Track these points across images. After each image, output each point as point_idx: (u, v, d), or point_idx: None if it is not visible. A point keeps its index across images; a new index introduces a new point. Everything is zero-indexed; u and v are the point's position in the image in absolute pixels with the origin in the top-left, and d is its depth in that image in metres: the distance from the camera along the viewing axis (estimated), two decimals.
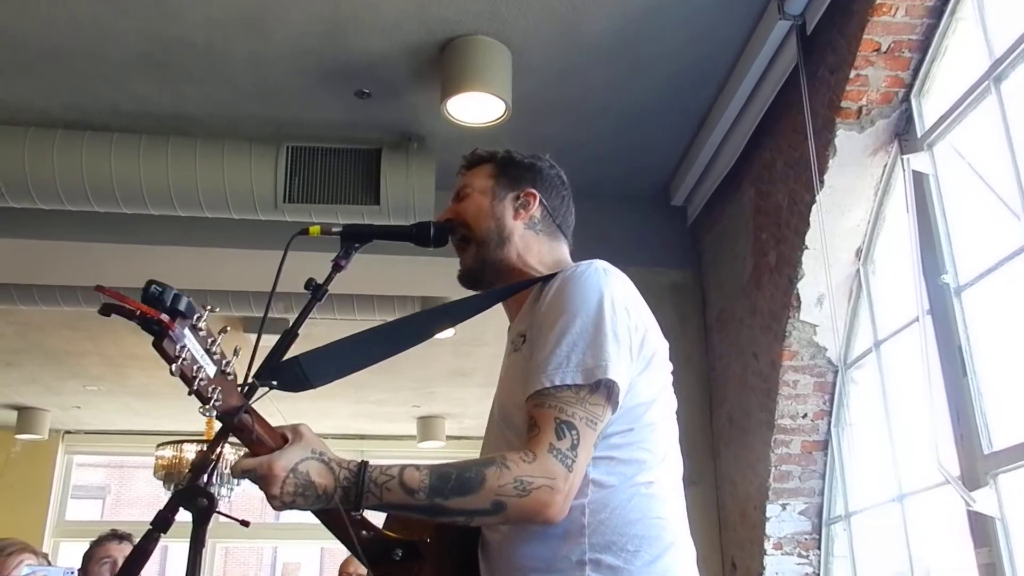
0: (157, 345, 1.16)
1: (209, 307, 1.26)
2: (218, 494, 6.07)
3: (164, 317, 1.15)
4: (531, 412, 1.31)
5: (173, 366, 1.17)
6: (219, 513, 1.25)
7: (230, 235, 4.57)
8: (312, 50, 3.76)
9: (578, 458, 1.26)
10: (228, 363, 1.27)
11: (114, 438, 9.62)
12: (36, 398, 8.30)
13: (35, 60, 3.79)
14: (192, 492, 1.22)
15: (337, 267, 1.51)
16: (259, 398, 1.31)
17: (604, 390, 1.31)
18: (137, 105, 4.14)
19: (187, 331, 1.19)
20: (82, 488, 15.54)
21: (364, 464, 1.26)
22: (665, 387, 1.46)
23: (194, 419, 7.73)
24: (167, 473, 6.27)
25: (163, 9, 3.47)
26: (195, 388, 1.21)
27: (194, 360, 1.20)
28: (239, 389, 1.29)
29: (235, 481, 6.23)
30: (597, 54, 3.77)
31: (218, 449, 1.31)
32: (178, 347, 1.17)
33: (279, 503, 1.22)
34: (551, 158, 1.70)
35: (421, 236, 1.59)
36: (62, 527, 9.37)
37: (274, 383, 1.33)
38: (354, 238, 1.53)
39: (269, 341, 1.41)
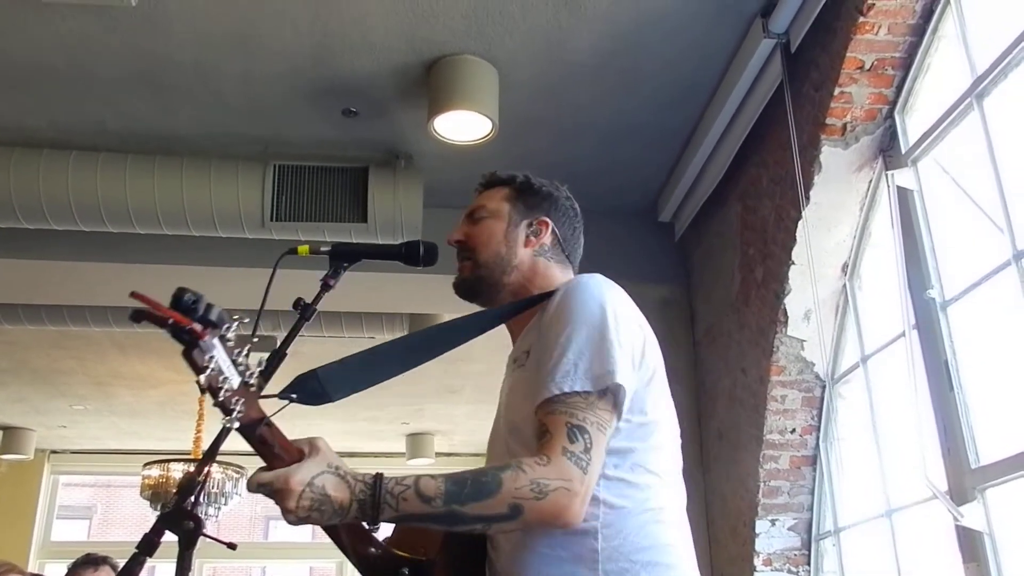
0: (187, 355, 1.16)
1: (238, 318, 1.25)
2: (205, 514, 6.05)
3: (196, 327, 1.15)
4: (541, 419, 1.32)
5: (201, 377, 1.16)
6: (205, 536, 1.24)
7: (217, 254, 4.56)
8: (300, 69, 3.76)
9: (592, 461, 1.27)
10: (252, 375, 1.26)
11: (100, 457, 9.57)
12: (22, 418, 8.25)
13: (21, 78, 3.78)
14: (178, 515, 1.21)
15: (325, 286, 1.51)
16: (278, 412, 1.30)
17: (611, 396, 1.32)
18: (124, 124, 4.13)
19: (216, 341, 1.19)
20: (68, 508, 15.39)
21: (379, 476, 1.25)
22: (668, 408, 1.48)
23: (181, 438, 7.71)
24: (154, 492, 6.22)
25: (151, 27, 3.48)
26: (220, 400, 1.20)
27: (220, 371, 1.19)
28: (260, 401, 1.28)
29: (223, 500, 6.20)
30: (583, 72, 3.79)
31: (205, 470, 1.30)
32: (207, 357, 1.16)
33: (294, 518, 1.21)
34: (566, 188, 1.72)
35: (410, 255, 1.60)
36: (48, 548, 9.29)
37: (293, 396, 1.32)
38: (343, 257, 1.53)
39: (254, 358, 1.40)
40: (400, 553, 1.38)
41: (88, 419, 8.25)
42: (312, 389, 1.35)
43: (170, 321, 1.13)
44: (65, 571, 3.40)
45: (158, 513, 1.30)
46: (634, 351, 1.39)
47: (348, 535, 1.35)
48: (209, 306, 1.17)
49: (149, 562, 1.21)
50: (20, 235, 4.34)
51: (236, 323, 1.23)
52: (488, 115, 3.64)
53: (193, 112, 4.07)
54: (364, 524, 1.28)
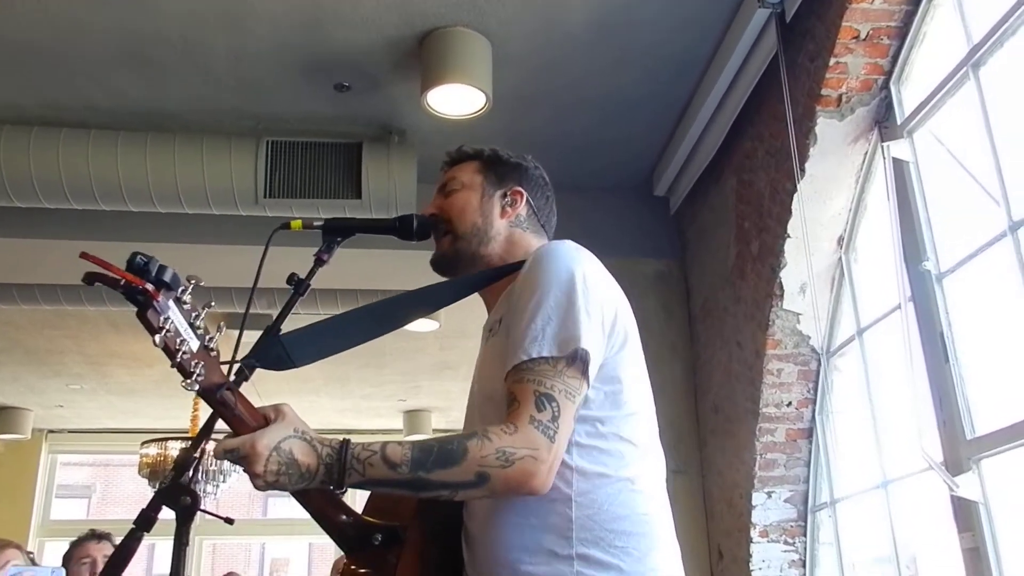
0: (141, 315, 1.15)
1: (194, 280, 1.24)
2: (204, 491, 6.07)
3: (149, 287, 1.14)
4: (510, 388, 1.31)
5: (156, 337, 1.15)
6: (203, 511, 1.24)
7: (211, 231, 4.54)
8: (291, 44, 3.73)
9: (560, 429, 1.26)
10: (212, 339, 1.25)
11: (98, 437, 9.58)
12: (18, 397, 8.25)
13: (10, 56, 3.75)
14: (175, 490, 1.21)
15: (319, 262, 1.50)
16: (241, 376, 1.29)
17: (580, 363, 1.31)
18: (114, 101, 4.10)
19: (171, 303, 1.18)
20: (67, 487, 15.44)
21: (346, 441, 1.25)
22: (641, 376, 1.47)
23: (178, 416, 7.72)
24: (152, 471, 6.24)
25: (139, 3, 3.44)
26: (178, 361, 1.19)
27: (178, 333, 1.18)
28: (222, 366, 1.27)
29: (221, 478, 6.21)
30: (577, 45, 3.76)
31: (202, 446, 1.30)
32: (162, 318, 1.16)
33: (262, 482, 1.21)
34: (536, 155, 1.71)
35: (404, 229, 1.58)
36: (47, 527, 9.32)
37: (255, 362, 1.31)
38: (336, 232, 1.52)
39: (251, 337, 1.40)
40: (372, 520, 1.38)
41: (85, 398, 8.25)
42: (276, 355, 1.35)
43: (122, 282, 1.12)
44: (67, 547, 3.42)
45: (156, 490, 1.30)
46: (604, 317, 1.38)
47: (320, 502, 1.34)
48: (162, 267, 1.17)
49: (149, 539, 1.21)
50: (13, 214, 4.31)
51: (192, 285, 1.22)
52: (482, 88, 3.62)
53: (184, 89, 4.04)
54: (332, 489, 1.27)
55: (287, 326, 1.39)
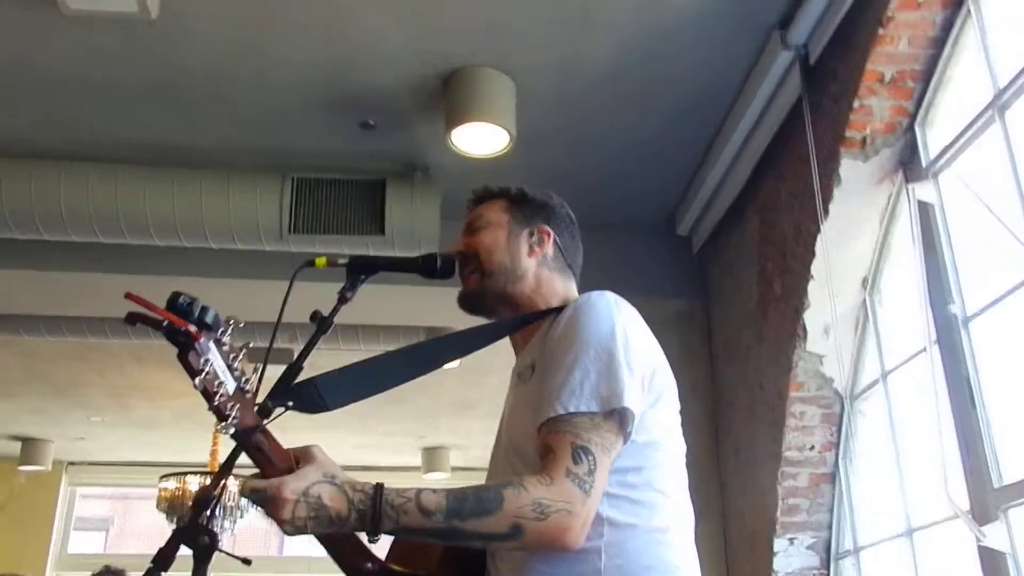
0: (182, 357, 1.15)
1: (233, 320, 1.23)
2: (221, 527, 6.06)
3: (192, 328, 1.14)
4: (544, 439, 1.29)
5: (196, 380, 1.15)
6: (220, 551, 1.23)
7: (236, 266, 4.57)
8: (317, 82, 3.78)
9: (595, 484, 1.25)
10: (247, 380, 1.25)
11: (118, 469, 9.58)
12: (40, 429, 8.28)
13: (42, 90, 3.82)
14: (193, 529, 1.20)
15: (343, 299, 1.50)
16: (274, 418, 1.28)
17: (617, 418, 1.30)
18: (143, 136, 4.16)
19: (212, 344, 1.18)
20: (85, 520, 15.42)
21: (380, 487, 1.23)
22: (674, 427, 1.46)
23: (198, 450, 7.72)
24: (170, 505, 6.24)
25: (171, 40, 3.50)
26: (215, 404, 1.18)
27: (216, 375, 1.18)
28: (255, 408, 1.27)
29: (239, 514, 6.20)
30: (600, 84, 3.78)
31: (221, 483, 1.29)
32: (202, 360, 1.15)
33: (291, 527, 1.19)
34: (558, 194, 1.71)
35: (428, 268, 1.59)
36: (65, 560, 9.30)
37: (290, 403, 1.31)
38: (360, 270, 1.52)
39: (274, 372, 1.40)
40: (397, 568, 1.37)
41: (106, 430, 8.28)
42: (310, 397, 1.34)
43: (165, 323, 1.12)
44: None
45: (174, 527, 1.29)
46: (644, 373, 1.37)
47: (345, 548, 1.33)
48: (204, 308, 1.16)
49: None
50: (41, 247, 4.36)
51: (231, 327, 1.22)
52: (505, 127, 3.64)
53: (212, 125, 4.09)
54: (363, 537, 1.26)
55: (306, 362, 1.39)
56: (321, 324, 1.43)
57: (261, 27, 3.45)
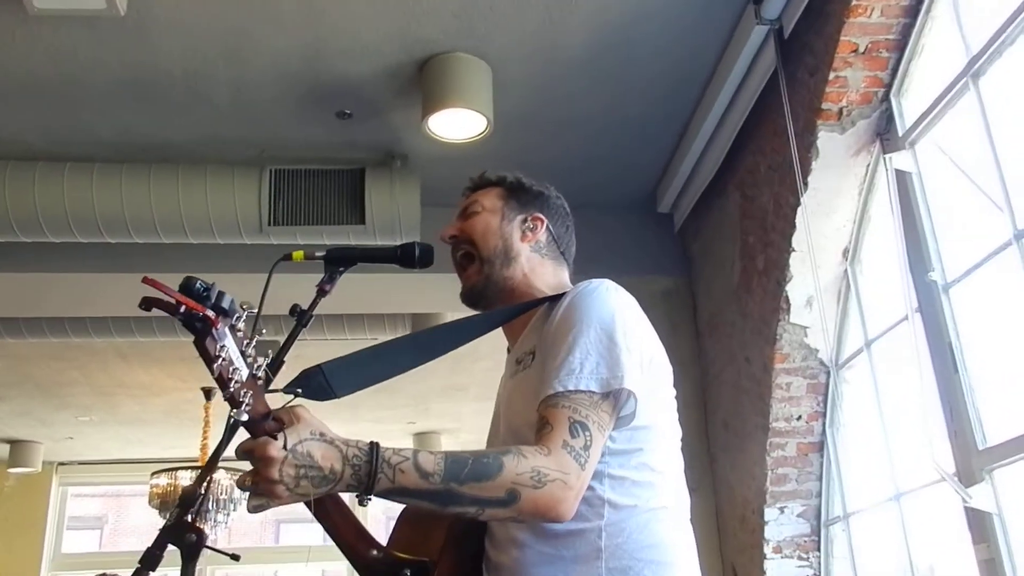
0: (199, 343, 1.13)
1: (247, 307, 1.21)
2: (215, 520, 6.06)
3: (210, 313, 1.12)
4: (542, 412, 1.30)
5: (213, 366, 1.13)
6: (208, 548, 1.22)
7: (216, 260, 4.54)
8: (292, 74, 3.75)
9: (590, 459, 1.26)
10: (259, 367, 1.22)
11: (108, 468, 9.56)
12: (28, 431, 8.25)
13: (12, 90, 3.77)
14: (180, 527, 1.20)
15: (321, 292, 1.50)
16: (284, 407, 1.26)
17: (613, 400, 1.32)
18: (117, 133, 4.12)
19: (227, 330, 1.15)
20: (79, 519, 15.40)
21: (376, 444, 1.22)
22: (672, 412, 1.49)
23: (187, 446, 7.71)
24: (162, 501, 6.25)
25: (140, 36, 3.46)
26: (230, 391, 1.16)
27: (231, 362, 1.16)
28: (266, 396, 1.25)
29: (232, 506, 6.20)
30: (576, 66, 3.77)
31: (206, 481, 1.29)
32: (219, 346, 1.13)
33: (282, 488, 1.16)
34: (539, 176, 1.72)
35: (406, 258, 1.59)
36: (59, 560, 9.28)
37: (299, 391, 1.30)
38: (338, 262, 1.52)
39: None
40: (401, 556, 1.37)
41: (94, 430, 8.25)
42: (318, 384, 1.33)
43: (182, 308, 1.09)
44: None
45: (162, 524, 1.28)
46: (643, 357, 1.40)
47: (349, 537, 1.33)
48: (221, 294, 1.14)
49: (159, 573, 1.20)
50: (18, 249, 4.33)
51: (246, 312, 1.20)
52: (482, 112, 3.63)
53: (186, 119, 4.06)
54: (358, 499, 1.22)
55: (293, 351, 1.38)
56: (300, 318, 1.43)
57: (233, 18, 3.42)
